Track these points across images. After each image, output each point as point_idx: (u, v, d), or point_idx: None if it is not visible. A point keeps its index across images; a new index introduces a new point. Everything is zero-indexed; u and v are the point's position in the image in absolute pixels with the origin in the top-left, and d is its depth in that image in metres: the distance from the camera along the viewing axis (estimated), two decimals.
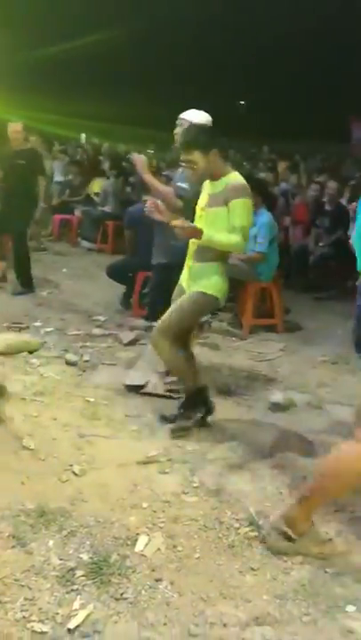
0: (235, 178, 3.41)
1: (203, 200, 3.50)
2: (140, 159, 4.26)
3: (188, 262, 3.57)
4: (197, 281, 3.47)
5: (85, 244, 9.95)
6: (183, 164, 3.50)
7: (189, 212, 3.69)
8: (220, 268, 3.49)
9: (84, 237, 10.01)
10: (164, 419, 3.67)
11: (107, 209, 9.89)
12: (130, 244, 6.44)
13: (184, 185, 3.94)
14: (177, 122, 3.60)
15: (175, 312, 3.47)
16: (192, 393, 3.62)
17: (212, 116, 3.52)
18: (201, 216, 3.47)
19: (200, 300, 3.47)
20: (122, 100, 17.63)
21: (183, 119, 3.55)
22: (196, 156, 3.39)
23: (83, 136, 17.56)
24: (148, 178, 4.25)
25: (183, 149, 3.41)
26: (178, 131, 3.67)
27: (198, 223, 3.44)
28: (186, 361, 3.55)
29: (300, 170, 11.39)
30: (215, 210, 3.38)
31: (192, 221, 3.48)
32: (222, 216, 3.36)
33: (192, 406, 3.62)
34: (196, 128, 3.42)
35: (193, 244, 3.51)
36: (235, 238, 3.34)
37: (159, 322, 3.50)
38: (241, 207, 3.34)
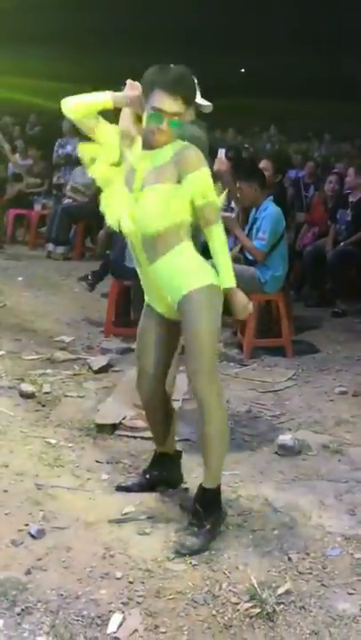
0: (183, 145, 3.09)
1: (136, 177, 3.09)
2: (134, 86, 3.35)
3: (146, 270, 3.17)
4: (178, 282, 3.08)
5: (58, 249, 9.75)
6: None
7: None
8: (190, 249, 3.13)
9: (55, 240, 9.81)
10: (122, 489, 3.52)
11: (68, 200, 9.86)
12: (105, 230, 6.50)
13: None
14: None
15: (200, 345, 3.04)
16: (219, 487, 3.21)
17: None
18: (138, 198, 3.07)
19: (204, 299, 3.06)
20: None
21: None
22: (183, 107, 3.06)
23: None
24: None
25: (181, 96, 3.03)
26: None
27: (134, 208, 3.07)
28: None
29: (314, 155, 11.54)
30: (155, 188, 3.04)
31: None
32: (166, 195, 3.03)
33: (215, 509, 3.18)
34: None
35: (135, 239, 3.13)
36: (220, 230, 3.10)
37: (197, 390, 3.08)
38: (207, 179, 3.07)
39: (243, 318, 3.33)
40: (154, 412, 3.45)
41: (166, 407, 3.46)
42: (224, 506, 3.27)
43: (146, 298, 3.33)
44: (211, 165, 3.83)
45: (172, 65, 3.10)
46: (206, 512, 3.13)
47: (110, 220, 3.15)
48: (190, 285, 3.06)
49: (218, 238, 3.09)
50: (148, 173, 3.07)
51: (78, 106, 3.13)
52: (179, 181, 3.03)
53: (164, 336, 3.27)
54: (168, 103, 2.98)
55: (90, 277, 6.67)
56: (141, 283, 3.29)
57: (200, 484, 3.19)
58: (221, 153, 5.88)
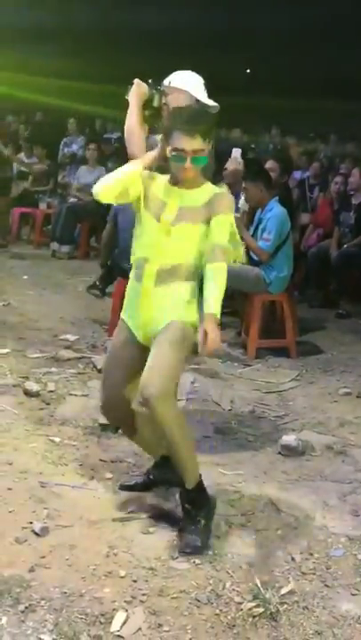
0: (219, 191, 3.24)
1: (167, 211, 3.17)
2: (141, 86, 3.56)
3: (147, 290, 3.17)
4: (170, 309, 3.14)
5: (63, 248, 9.78)
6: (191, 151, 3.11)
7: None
8: (196, 291, 3.21)
9: (59, 239, 9.84)
10: (126, 488, 3.53)
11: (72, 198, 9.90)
12: (107, 239, 6.52)
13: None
14: (162, 88, 3.60)
15: (165, 362, 3.03)
16: (200, 481, 3.19)
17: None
18: (168, 231, 3.14)
19: (185, 333, 3.11)
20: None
21: (186, 92, 3.57)
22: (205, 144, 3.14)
23: None
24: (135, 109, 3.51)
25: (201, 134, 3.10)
26: (174, 101, 3.65)
27: (162, 239, 3.14)
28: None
29: (320, 156, 11.53)
30: (186, 226, 3.14)
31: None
32: (194, 236, 3.14)
33: (204, 503, 3.20)
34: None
35: (155, 261, 3.15)
36: (224, 268, 3.14)
37: (148, 385, 2.96)
38: (231, 225, 3.21)
39: (207, 355, 3.14)
40: (129, 429, 3.39)
41: (133, 418, 3.35)
42: (212, 496, 3.27)
43: (124, 313, 3.31)
44: (220, 166, 3.85)
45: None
46: (196, 508, 3.14)
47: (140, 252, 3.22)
48: (179, 317, 3.11)
49: (223, 275, 3.10)
50: (181, 210, 3.15)
51: (113, 187, 3.17)
52: (207, 221, 3.13)
53: (135, 355, 3.21)
54: (187, 142, 3.07)
55: (98, 283, 6.67)
56: (128, 296, 3.28)
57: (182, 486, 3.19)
58: (237, 153, 5.89)
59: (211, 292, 3.09)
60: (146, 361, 3.08)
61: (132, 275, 3.26)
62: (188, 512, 3.15)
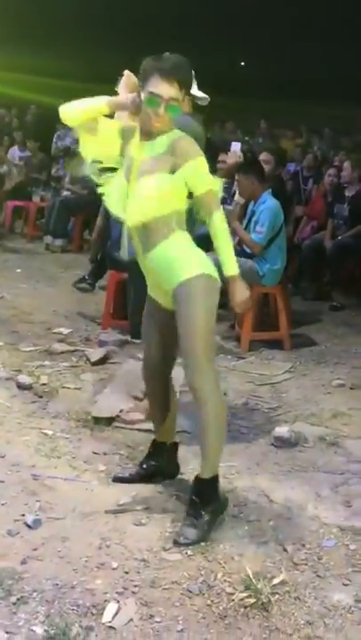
0: (178, 134, 3.10)
1: (134, 168, 3.10)
2: (130, 77, 3.50)
3: (143, 260, 3.17)
4: (173, 271, 3.06)
5: (56, 241, 9.79)
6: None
7: None
8: (184, 238, 3.12)
9: (53, 233, 9.86)
10: (119, 479, 3.54)
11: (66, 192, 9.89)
12: (97, 234, 6.52)
13: None
14: None
15: (194, 331, 3.02)
16: (216, 476, 3.20)
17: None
18: (133, 189, 3.08)
19: (198, 287, 3.02)
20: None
21: None
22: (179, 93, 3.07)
23: None
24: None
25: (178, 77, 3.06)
26: None
27: (130, 199, 3.09)
28: None
29: (313, 148, 11.51)
30: (152, 176, 3.04)
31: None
32: (161, 183, 3.03)
33: (213, 499, 3.17)
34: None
35: (133, 229, 3.12)
36: (220, 217, 3.09)
37: (187, 369, 3.06)
38: (203, 167, 3.08)
39: (240, 312, 3.30)
40: (155, 397, 3.45)
41: (168, 394, 3.45)
42: (225, 495, 3.27)
43: (147, 285, 3.34)
44: (215, 159, 3.85)
45: (167, 53, 3.13)
46: (203, 502, 3.12)
47: (112, 210, 3.18)
48: (185, 274, 3.04)
49: (219, 225, 3.09)
50: (145, 163, 3.08)
51: (75, 113, 3.16)
52: (173, 171, 3.04)
53: (166, 322, 3.23)
54: (164, 87, 3.01)
55: (87, 278, 6.68)
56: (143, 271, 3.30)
57: (196, 475, 3.19)
58: (236, 147, 5.86)
59: (220, 251, 3.10)
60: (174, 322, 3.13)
61: None
62: (194, 504, 3.13)
